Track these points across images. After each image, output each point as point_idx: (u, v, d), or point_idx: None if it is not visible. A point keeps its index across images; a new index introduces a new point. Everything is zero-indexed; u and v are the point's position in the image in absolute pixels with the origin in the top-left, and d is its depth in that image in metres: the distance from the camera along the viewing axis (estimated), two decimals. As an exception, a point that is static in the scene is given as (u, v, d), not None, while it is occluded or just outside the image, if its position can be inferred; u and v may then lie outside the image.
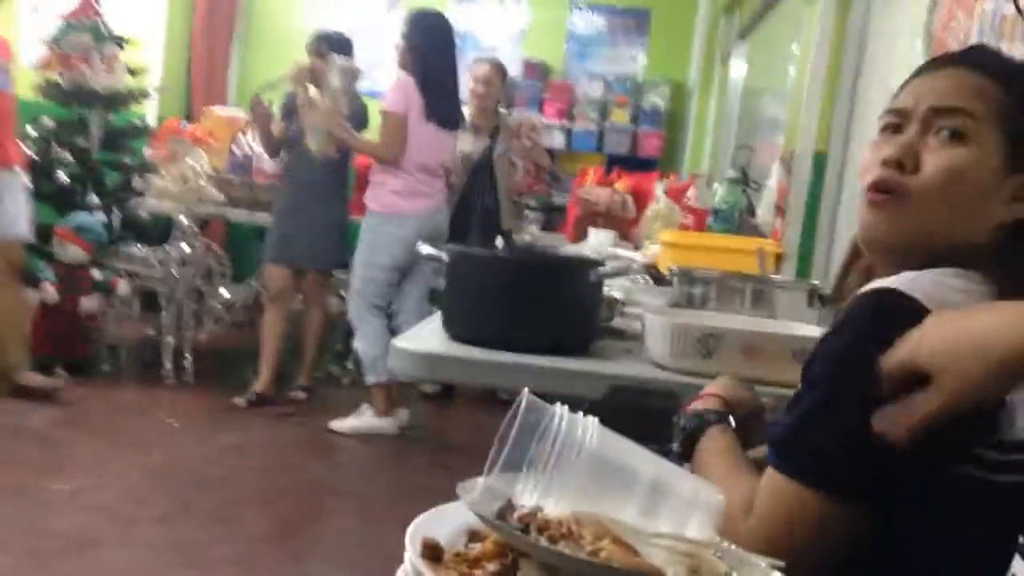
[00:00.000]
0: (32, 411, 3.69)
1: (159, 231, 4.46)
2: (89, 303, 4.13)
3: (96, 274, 4.20)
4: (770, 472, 0.88)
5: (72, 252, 4.12)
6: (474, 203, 4.39)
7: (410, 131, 3.68)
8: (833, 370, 0.86)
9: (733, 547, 0.81)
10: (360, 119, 4.02)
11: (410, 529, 0.82)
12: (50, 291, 4.05)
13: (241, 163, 4.89)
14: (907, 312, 0.82)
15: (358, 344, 3.83)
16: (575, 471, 0.82)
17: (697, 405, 1.11)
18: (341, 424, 3.82)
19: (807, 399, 0.87)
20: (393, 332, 3.90)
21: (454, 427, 4.26)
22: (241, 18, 6.70)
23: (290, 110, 4.10)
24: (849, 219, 2.87)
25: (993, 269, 0.90)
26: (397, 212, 3.71)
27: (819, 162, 2.96)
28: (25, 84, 4.74)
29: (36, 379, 3.81)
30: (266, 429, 3.83)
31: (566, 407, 0.86)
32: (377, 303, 3.77)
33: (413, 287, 3.88)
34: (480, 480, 0.83)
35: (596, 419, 0.86)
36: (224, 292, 4.47)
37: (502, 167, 4.43)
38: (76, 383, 4.03)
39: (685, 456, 1.06)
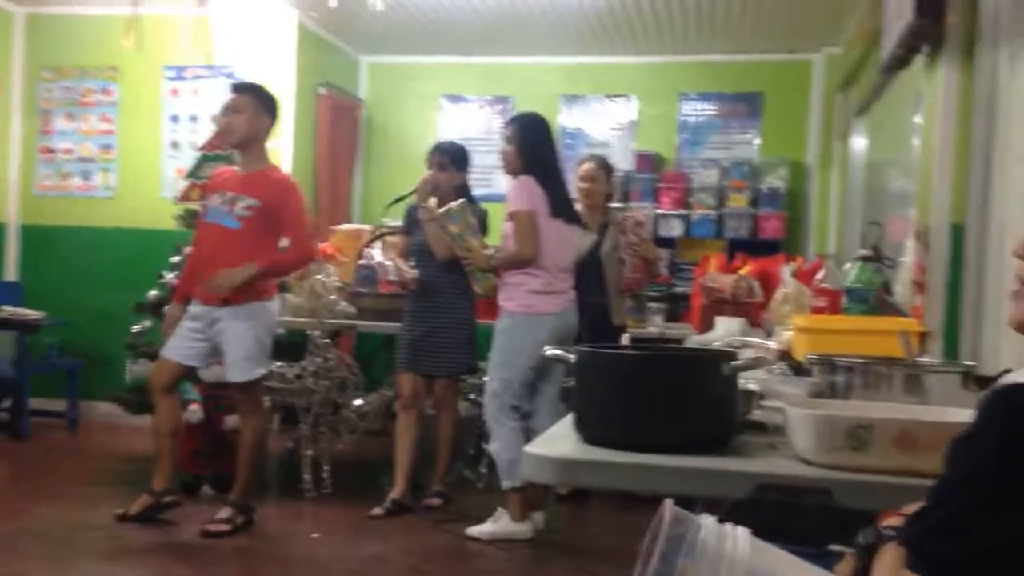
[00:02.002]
0: (181, 529, 3.80)
1: (294, 346, 4.61)
2: (232, 420, 4.28)
3: (237, 391, 4.36)
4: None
5: (215, 371, 4.30)
6: (583, 300, 4.37)
7: (541, 229, 3.71)
8: (967, 473, 0.85)
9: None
10: (482, 226, 4.10)
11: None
12: (196, 411, 4.22)
13: (368, 275, 5.05)
14: None
15: (493, 447, 3.79)
16: (729, 587, 0.77)
17: (888, 521, 1.07)
18: (478, 530, 3.78)
19: (943, 503, 0.86)
20: (527, 434, 3.89)
21: (592, 529, 4.16)
22: (362, 137, 7.05)
23: (411, 222, 4.24)
24: (995, 294, 2.71)
25: None
26: (536, 311, 3.71)
27: (957, 235, 2.82)
28: (167, 216, 5.08)
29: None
30: (406, 537, 3.82)
31: (713, 518, 0.82)
32: (513, 404, 3.75)
33: (548, 387, 3.86)
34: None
35: (747, 530, 0.81)
36: (358, 402, 4.56)
37: (610, 263, 4.42)
38: (223, 499, 4.15)
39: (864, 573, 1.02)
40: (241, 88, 3.93)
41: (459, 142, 4.51)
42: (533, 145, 3.80)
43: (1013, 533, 0.78)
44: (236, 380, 3.83)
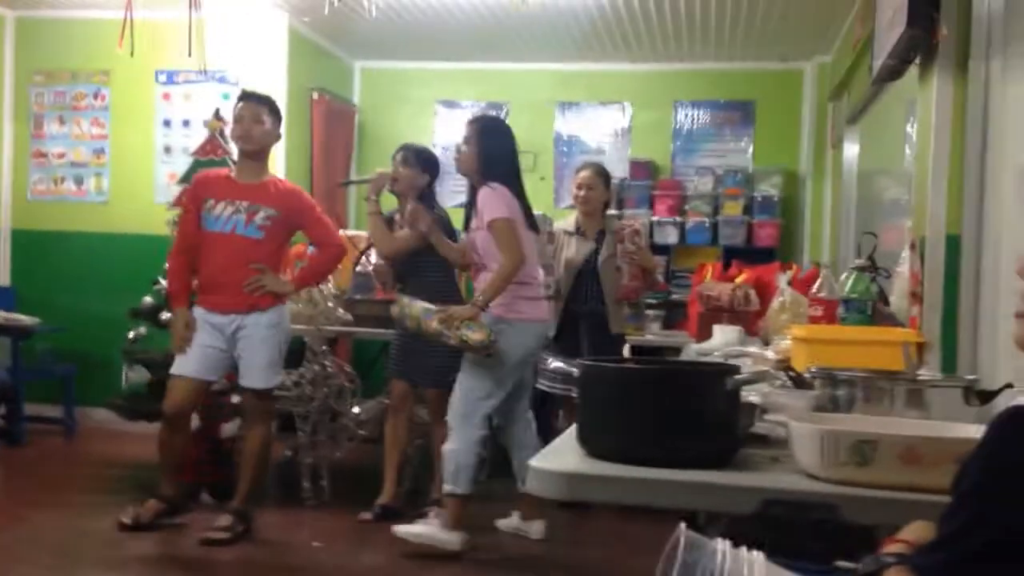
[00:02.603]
0: (180, 538, 3.80)
1: (292, 353, 4.61)
2: (230, 428, 4.28)
3: (235, 399, 4.36)
4: None
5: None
6: (581, 309, 4.38)
7: (523, 238, 3.62)
8: (978, 499, 0.86)
9: None
10: (446, 230, 4.04)
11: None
12: (194, 419, 4.22)
13: (364, 282, 5.06)
14: None
15: (450, 447, 3.61)
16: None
17: (887, 548, 1.08)
18: (406, 530, 3.65)
19: (955, 532, 0.86)
20: (506, 443, 3.86)
21: (592, 539, 4.15)
22: (357, 143, 7.05)
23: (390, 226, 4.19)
24: (991, 306, 2.74)
25: None
26: (527, 319, 3.64)
27: (953, 246, 2.85)
28: (160, 221, 5.08)
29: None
30: (406, 545, 3.78)
31: (728, 542, 0.83)
32: (485, 411, 3.65)
33: (524, 395, 3.83)
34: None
35: (762, 555, 0.83)
36: (356, 409, 4.56)
37: (608, 272, 4.41)
38: (221, 506, 4.15)
39: None
40: (257, 99, 3.92)
41: (430, 148, 4.49)
42: (497, 151, 3.69)
43: None
44: (256, 387, 3.82)
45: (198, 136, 5.34)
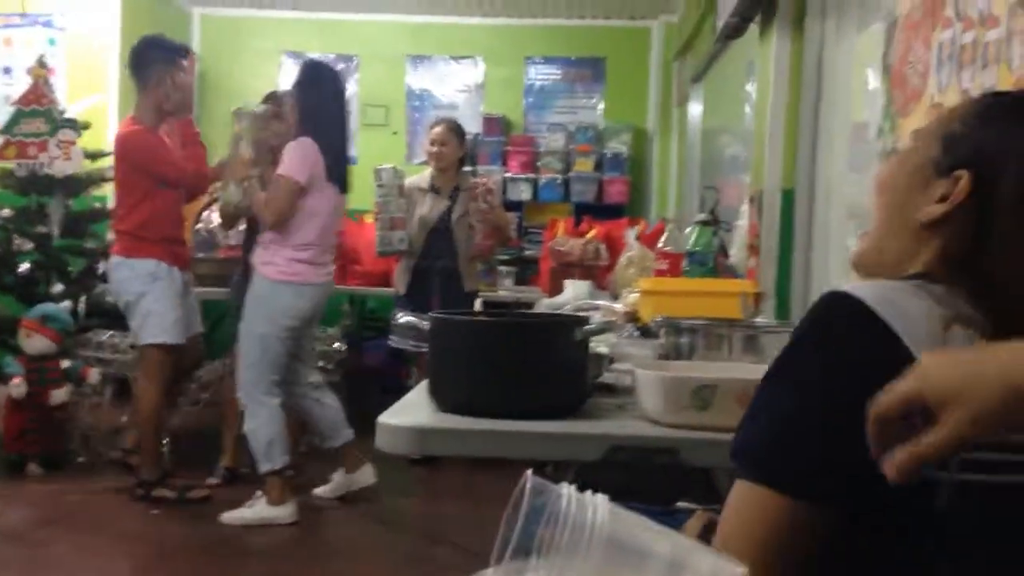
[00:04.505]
0: (7, 510, 3.58)
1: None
2: (60, 394, 4.03)
3: (65, 364, 4.11)
4: (738, 485, 0.88)
5: (39, 343, 4.04)
6: (433, 265, 4.33)
7: (315, 197, 3.47)
8: (794, 375, 0.89)
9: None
10: None
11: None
12: (18, 385, 3.95)
13: (205, 240, 4.85)
14: (852, 308, 0.86)
15: (249, 427, 3.50)
16: (588, 555, 0.78)
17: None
18: (233, 515, 3.51)
19: (774, 405, 0.89)
20: (289, 407, 3.66)
21: (443, 493, 4.17)
22: (197, 93, 6.71)
23: None
24: (822, 256, 2.88)
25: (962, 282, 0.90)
26: (301, 280, 3.49)
27: (788, 199, 2.97)
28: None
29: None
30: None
31: (573, 486, 0.82)
32: (274, 379, 3.53)
33: (304, 359, 3.75)
34: (489, 572, 0.78)
35: (605, 497, 0.82)
36: (202, 370, 4.39)
37: (461, 229, 4.37)
38: (51, 477, 3.92)
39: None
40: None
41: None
42: (309, 98, 3.53)
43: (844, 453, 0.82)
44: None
45: (21, 84, 4.95)
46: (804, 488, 0.85)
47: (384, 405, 1.53)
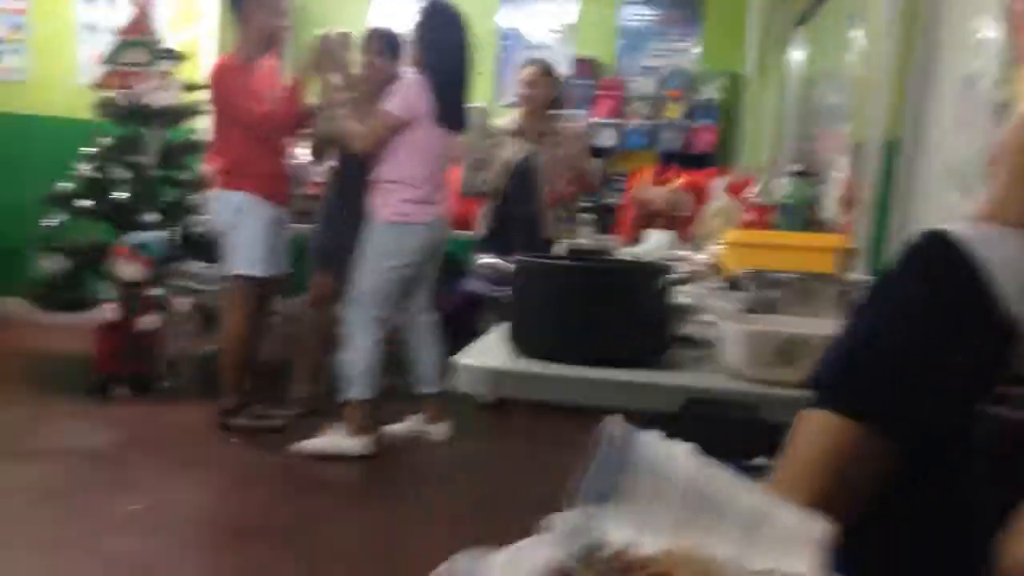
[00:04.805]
0: (96, 430, 3.74)
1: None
2: (149, 320, 4.17)
3: (155, 292, 4.23)
4: (806, 415, 0.88)
5: (131, 270, 4.16)
6: (515, 211, 4.30)
7: (422, 136, 3.52)
8: (882, 306, 0.89)
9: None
10: None
11: (492, 572, 0.77)
12: (111, 310, 4.10)
13: (294, 175, 4.89)
14: (948, 248, 0.86)
15: (347, 355, 3.60)
16: (669, 504, 0.76)
17: None
18: (310, 445, 3.60)
19: (857, 334, 0.89)
20: (400, 347, 3.77)
21: (515, 439, 4.19)
22: (291, 27, 6.74)
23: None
24: (923, 211, 2.75)
25: None
26: (410, 221, 3.55)
27: (890, 151, 2.84)
28: (83, 103, 4.83)
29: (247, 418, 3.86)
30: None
31: (656, 433, 0.80)
32: (378, 316, 3.59)
33: (416, 300, 3.77)
34: (565, 514, 0.77)
35: (689, 445, 0.80)
36: (281, 305, 4.47)
37: (546, 174, 4.31)
38: (138, 401, 4.08)
39: None
40: None
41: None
42: (431, 38, 3.54)
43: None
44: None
45: (124, 14, 5.04)
46: (877, 416, 0.84)
47: (456, 349, 1.53)
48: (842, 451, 0.85)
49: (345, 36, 3.70)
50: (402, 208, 3.55)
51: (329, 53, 3.63)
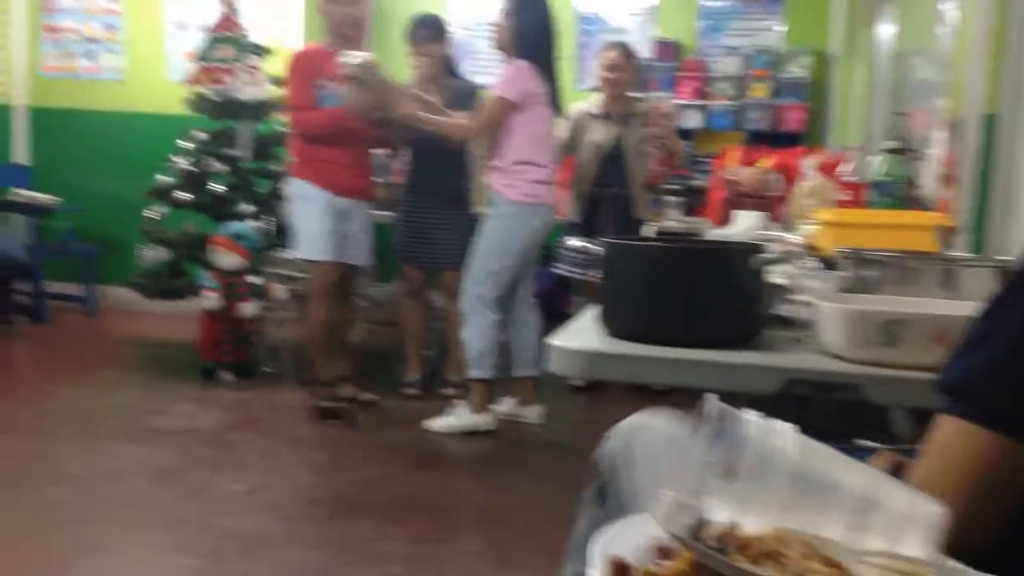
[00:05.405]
0: (205, 413, 3.89)
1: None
2: (248, 308, 4.31)
3: (253, 280, 4.37)
4: (945, 422, 0.83)
5: (230, 259, 4.30)
6: (605, 193, 4.30)
7: (536, 119, 3.58)
8: (1020, 308, 0.82)
9: (956, 565, 0.73)
10: (467, 102, 3.92)
11: (596, 547, 0.78)
12: (213, 298, 4.25)
13: (383, 165, 4.98)
14: None
15: (466, 335, 3.68)
16: (775, 484, 0.76)
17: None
18: (438, 423, 3.72)
19: (994, 338, 0.83)
20: (504, 325, 3.81)
21: (607, 421, 4.20)
22: (374, 20, 6.83)
23: None
24: (1027, 185, 2.66)
25: None
26: (539, 202, 3.62)
27: (990, 126, 2.74)
28: (175, 99, 4.99)
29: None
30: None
31: (760, 414, 0.80)
32: (498, 295, 3.66)
33: (526, 279, 3.81)
34: (670, 493, 0.78)
35: (793, 426, 0.80)
36: (373, 292, 4.57)
37: (635, 156, 4.31)
38: (241, 385, 4.23)
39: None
40: None
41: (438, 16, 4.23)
42: (529, 25, 3.58)
43: None
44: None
45: (212, 12, 5.18)
46: (1021, 428, 0.79)
47: (546, 333, 1.55)
48: (990, 465, 0.80)
49: (366, 58, 3.69)
50: (533, 189, 3.60)
51: (360, 78, 3.60)
